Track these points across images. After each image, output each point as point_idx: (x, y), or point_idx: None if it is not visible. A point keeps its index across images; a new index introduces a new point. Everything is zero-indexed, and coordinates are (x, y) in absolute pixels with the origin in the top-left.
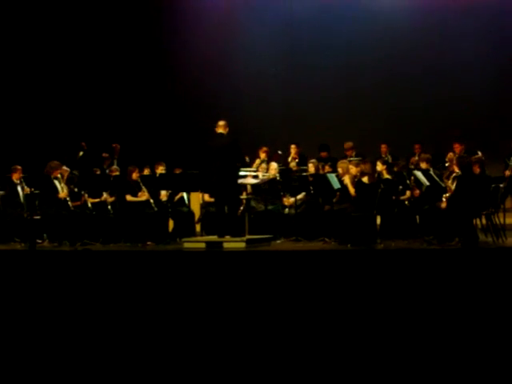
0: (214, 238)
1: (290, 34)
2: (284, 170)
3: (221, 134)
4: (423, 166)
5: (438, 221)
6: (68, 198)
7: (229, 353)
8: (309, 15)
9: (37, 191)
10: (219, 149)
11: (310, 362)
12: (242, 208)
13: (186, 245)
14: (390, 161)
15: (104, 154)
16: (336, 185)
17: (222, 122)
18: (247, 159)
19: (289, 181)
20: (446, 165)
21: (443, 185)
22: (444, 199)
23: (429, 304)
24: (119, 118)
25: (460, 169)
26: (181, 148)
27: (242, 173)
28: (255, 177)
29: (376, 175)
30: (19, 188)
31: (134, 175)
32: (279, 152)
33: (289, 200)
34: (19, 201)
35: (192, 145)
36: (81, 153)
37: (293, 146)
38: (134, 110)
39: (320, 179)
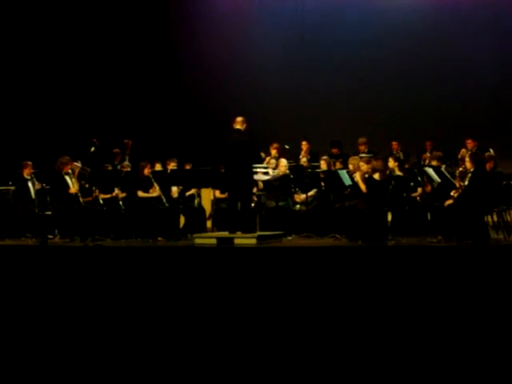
0: (225, 234)
1: (302, 30)
2: (295, 166)
3: (238, 130)
4: (434, 164)
5: (447, 218)
6: (79, 194)
7: (239, 348)
8: (321, 11)
9: (48, 187)
10: (236, 145)
11: (320, 358)
12: (253, 204)
13: (197, 241)
14: (402, 158)
15: (115, 150)
16: (347, 181)
17: (239, 118)
18: (263, 155)
19: (300, 177)
20: (459, 163)
21: (455, 182)
22: (452, 194)
23: (440, 301)
24: (131, 113)
25: (474, 165)
26: (192, 144)
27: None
28: (266, 173)
29: (388, 172)
30: (30, 184)
31: (146, 171)
32: (286, 146)
33: (300, 196)
34: (30, 196)
35: (207, 140)
36: (92, 148)
37: (304, 143)
38: (145, 106)
39: (331, 176)
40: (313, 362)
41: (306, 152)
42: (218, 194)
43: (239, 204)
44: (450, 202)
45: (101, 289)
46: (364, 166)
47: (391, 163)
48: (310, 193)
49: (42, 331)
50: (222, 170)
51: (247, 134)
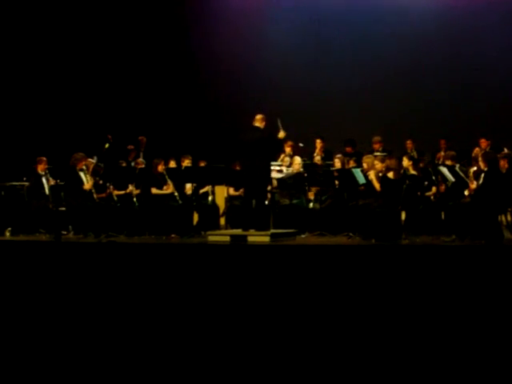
0: (238, 231)
1: (317, 27)
2: (309, 164)
3: (257, 127)
4: (448, 163)
5: (461, 218)
6: (93, 190)
7: (250, 345)
8: (335, 8)
9: (62, 183)
10: (254, 142)
11: (333, 356)
12: (266, 202)
13: (211, 238)
14: (416, 157)
15: (130, 147)
16: (361, 180)
17: (259, 116)
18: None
19: (314, 175)
20: (472, 162)
21: (468, 181)
22: (466, 193)
23: (453, 300)
24: (145, 110)
25: (486, 164)
26: (207, 141)
27: None
28: (280, 171)
29: (402, 171)
30: (44, 179)
31: (160, 168)
32: (300, 144)
33: (313, 190)
34: (44, 192)
35: (222, 137)
36: (107, 145)
37: (318, 141)
38: (160, 103)
39: (345, 174)
40: (325, 361)
41: (320, 150)
42: (231, 191)
43: (254, 202)
44: (470, 190)
45: (114, 285)
46: (378, 165)
47: (405, 162)
48: None
49: (54, 327)
50: (237, 168)
51: (266, 131)
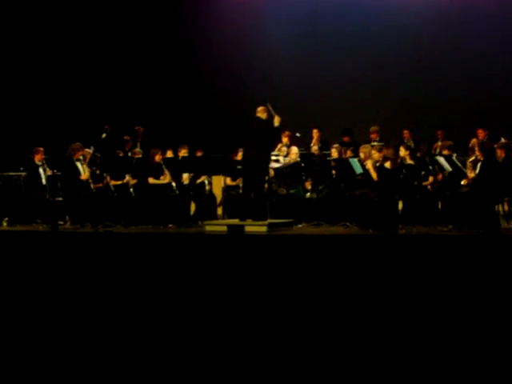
0: (235, 221)
1: (315, 19)
2: (306, 154)
3: (258, 117)
4: (445, 152)
5: (458, 208)
6: (90, 180)
7: (247, 336)
8: (333, 1)
9: (59, 173)
10: (254, 132)
11: (330, 347)
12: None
13: (208, 228)
14: (413, 146)
15: (126, 137)
16: (358, 169)
17: (260, 108)
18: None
19: (311, 165)
20: (469, 152)
21: (466, 171)
22: (463, 183)
23: (450, 290)
24: (142, 100)
25: (483, 154)
26: (204, 131)
27: None
28: (277, 161)
29: (399, 160)
30: (41, 170)
31: (157, 158)
32: (297, 134)
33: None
34: (41, 182)
35: (219, 127)
36: (104, 135)
37: (315, 131)
38: (157, 93)
39: (342, 164)
40: (322, 351)
41: (317, 140)
42: (228, 181)
43: (252, 192)
44: (466, 181)
45: (111, 275)
46: (375, 155)
47: (402, 152)
48: None
49: (52, 317)
50: (235, 158)
51: (266, 121)
